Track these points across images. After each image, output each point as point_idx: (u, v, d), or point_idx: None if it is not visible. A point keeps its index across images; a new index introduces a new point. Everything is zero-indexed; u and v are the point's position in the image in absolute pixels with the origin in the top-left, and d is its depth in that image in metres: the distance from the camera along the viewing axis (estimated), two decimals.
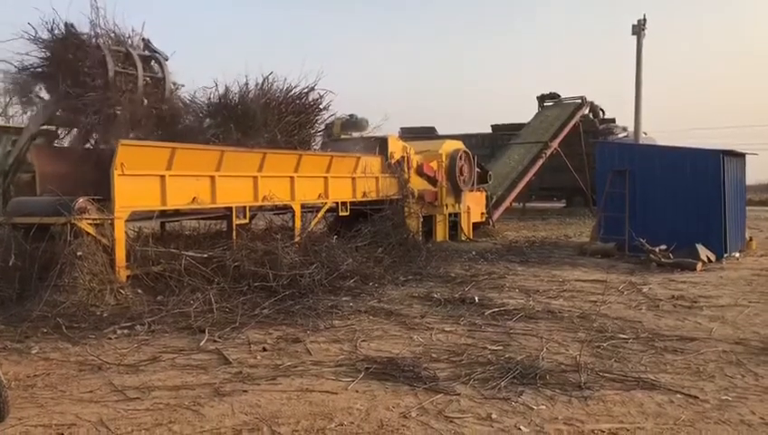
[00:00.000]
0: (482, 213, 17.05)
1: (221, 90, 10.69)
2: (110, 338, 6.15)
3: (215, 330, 6.42)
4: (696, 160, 12.63)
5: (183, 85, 10.07)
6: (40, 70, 8.87)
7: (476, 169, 16.42)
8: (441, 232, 15.07)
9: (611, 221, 13.15)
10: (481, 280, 9.74)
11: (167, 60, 9.68)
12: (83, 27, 8.95)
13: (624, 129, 27.84)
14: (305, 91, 11.33)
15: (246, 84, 10.75)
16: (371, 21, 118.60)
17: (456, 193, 15.51)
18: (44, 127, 9.78)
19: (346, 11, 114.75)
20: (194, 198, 8.70)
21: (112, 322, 6.54)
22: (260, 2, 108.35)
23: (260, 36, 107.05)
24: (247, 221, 10.00)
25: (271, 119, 10.58)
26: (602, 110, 27.51)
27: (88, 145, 9.45)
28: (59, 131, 10.18)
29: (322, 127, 12.51)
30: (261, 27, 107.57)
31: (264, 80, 10.89)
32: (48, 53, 8.78)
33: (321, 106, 11.69)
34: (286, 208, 10.71)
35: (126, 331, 6.37)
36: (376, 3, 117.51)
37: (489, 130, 29.21)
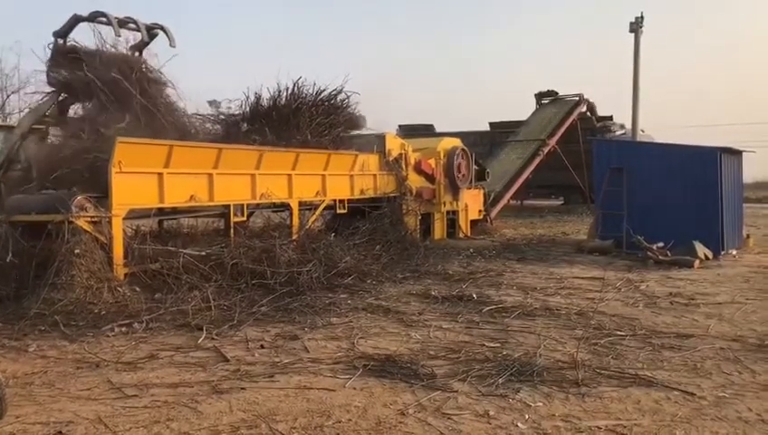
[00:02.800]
0: (480, 211, 17.05)
1: (252, 97, 11.41)
2: (108, 336, 6.15)
3: (212, 327, 6.43)
4: (693, 158, 12.64)
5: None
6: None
7: (474, 167, 16.42)
8: (439, 229, 15.06)
9: (609, 219, 13.16)
10: (479, 277, 9.75)
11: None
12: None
13: (622, 126, 27.89)
14: (334, 93, 11.85)
15: (279, 91, 11.38)
16: (367, 16, 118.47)
17: (454, 191, 15.51)
18: (35, 126, 9.83)
19: (339, 6, 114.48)
20: (191, 195, 8.69)
21: (110, 319, 6.52)
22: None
23: (253, 34, 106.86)
24: (245, 219, 10.00)
25: (303, 121, 11.07)
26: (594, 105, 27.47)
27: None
28: (48, 130, 10.25)
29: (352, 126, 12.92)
30: (252, 25, 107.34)
31: (294, 84, 11.44)
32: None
33: (347, 106, 12.14)
34: (284, 206, 10.71)
35: (124, 328, 6.37)
36: None
37: (487, 128, 29.22)
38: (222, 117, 11.42)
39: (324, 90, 11.74)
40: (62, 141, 9.68)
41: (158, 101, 9.53)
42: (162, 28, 9.85)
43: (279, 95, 11.40)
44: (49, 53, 9.27)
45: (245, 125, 11.28)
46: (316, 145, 11.13)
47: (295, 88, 11.43)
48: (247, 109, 11.43)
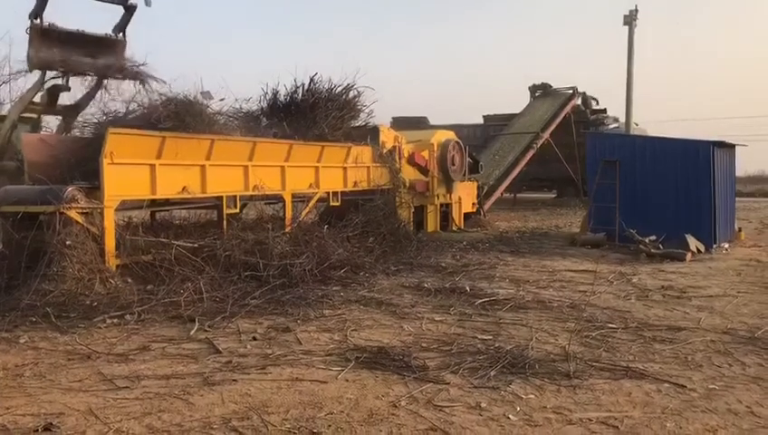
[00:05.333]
0: (473, 203, 17.06)
1: (270, 93, 11.82)
2: (100, 327, 6.13)
3: (205, 319, 6.42)
4: (686, 151, 12.67)
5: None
6: None
7: (468, 160, 16.42)
8: (432, 222, 15.07)
9: (602, 212, 13.19)
10: (471, 270, 9.76)
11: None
12: None
13: (615, 119, 27.92)
14: (347, 88, 12.17)
15: (295, 87, 11.78)
16: (360, 8, 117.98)
17: (448, 183, 15.51)
18: (25, 114, 9.75)
19: None
20: (184, 187, 8.65)
21: (102, 311, 6.51)
22: None
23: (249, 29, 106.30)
24: (238, 211, 9.98)
25: (320, 115, 11.42)
26: (595, 99, 27.54)
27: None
28: (40, 118, 10.18)
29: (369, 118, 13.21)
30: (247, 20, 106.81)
31: (311, 81, 11.80)
32: None
33: (359, 100, 12.48)
34: (277, 198, 10.69)
35: (115, 320, 6.35)
36: None
37: (481, 121, 29.19)
38: (242, 113, 11.65)
39: (339, 85, 12.13)
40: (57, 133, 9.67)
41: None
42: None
43: (296, 91, 11.79)
44: (27, 36, 9.14)
45: (265, 120, 11.65)
46: (333, 139, 11.50)
47: (311, 84, 11.80)
48: (265, 104, 11.83)
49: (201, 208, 10.23)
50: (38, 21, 9.11)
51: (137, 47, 10.29)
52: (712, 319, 6.67)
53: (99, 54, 9.79)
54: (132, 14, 9.81)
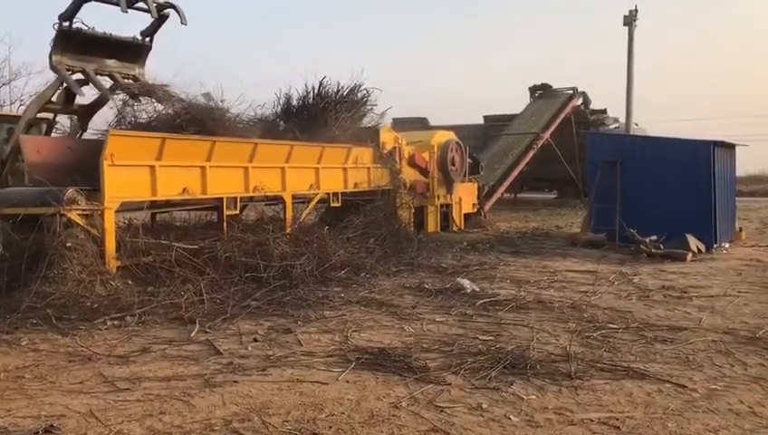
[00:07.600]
0: (473, 204, 17.04)
1: (283, 99, 12.41)
2: (101, 329, 6.13)
3: (205, 321, 6.41)
4: (686, 151, 12.67)
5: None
6: None
7: (468, 160, 16.42)
8: (432, 223, 15.06)
9: (602, 212, 13.18)
10: (472, 271, 9.75)
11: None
12: None
13: (615, 120, 27.91)
14: (355, 89, 12.61)
15: (306, 92, 12.29)
16: (360, 8, 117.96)
17: (448, 184, 15.50)
18: (41, 115, 9.70)
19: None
20: (184, 188, 8.65)
21: (102, 313, 6.50)
22: None
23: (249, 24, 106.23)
24: (238, 212, 9.97)
25: (330, 118, 11.84)
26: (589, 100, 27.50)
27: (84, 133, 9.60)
28: (56, 119, 10.12)
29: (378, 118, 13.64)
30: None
31: (320, 84, 12.23)
32: None
33: (367, 101, 12.95)
34: (277, 199, 10.69)
35: (116, 322, 6.35)
36: None
37: (481, 121, 29.17)
38: (258, 118, 11.82)
39: (347, 87, 12.46)
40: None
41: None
42: (173, 6, 9.64)
43: (307, 95, 12.18)
44: (53, 35, 9.02)
45: (282, 124, 12.05)
46: (343, 140, 11.78)
47: (321, 87, 12.12)
48: (279, 109, 12.27)
49: (201, 210, 10.23)
50: (67, 24, 8.98)
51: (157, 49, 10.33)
52: (713, 319, 6.66)
53: (123, 59, 9.78)
54: (163, 23, 9.77)
